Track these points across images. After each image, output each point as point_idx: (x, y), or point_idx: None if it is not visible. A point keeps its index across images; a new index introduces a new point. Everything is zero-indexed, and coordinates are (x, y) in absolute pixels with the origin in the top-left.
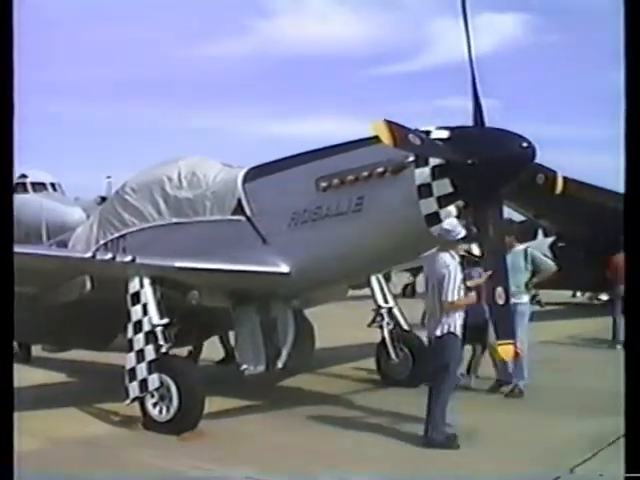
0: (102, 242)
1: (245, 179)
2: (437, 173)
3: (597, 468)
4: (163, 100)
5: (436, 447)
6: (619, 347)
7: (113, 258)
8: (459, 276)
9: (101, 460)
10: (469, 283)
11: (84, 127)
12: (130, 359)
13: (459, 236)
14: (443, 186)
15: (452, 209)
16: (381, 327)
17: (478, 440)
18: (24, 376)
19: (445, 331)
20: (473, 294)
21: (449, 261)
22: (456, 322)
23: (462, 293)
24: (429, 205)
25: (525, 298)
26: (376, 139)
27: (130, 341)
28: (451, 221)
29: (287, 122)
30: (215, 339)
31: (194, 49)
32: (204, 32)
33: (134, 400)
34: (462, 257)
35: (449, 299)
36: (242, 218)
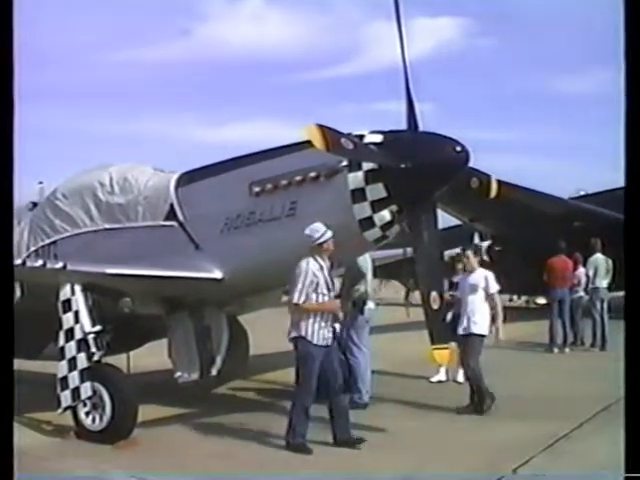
0: (33, 249)
1: (178, 184)
2: (370, 178)
3: (539, 469)
4: (94, 105)
5: (291, 450)
6: (556, 350)
7: (44, 265)
8: (310, 279)
9: (33, 471)
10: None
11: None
12: (62, 367)
13: (321, 239)
14: (377, 191)
15: (386, 213)
16: None
17: (415, 443)
18: None
19: (295, 334)
20: (334, 302)
21: (303, 263)
22: (308, 327)
23: (318, 298)
24: (363, 210)
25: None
26: (309, 143)
27: (62, 349)
28: (314, 225)
29: (221, 127)
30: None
31: (125, 53)
32: (136, 36)
33: (66, 409)
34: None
35: (293, 300)
36: (174, 224)
